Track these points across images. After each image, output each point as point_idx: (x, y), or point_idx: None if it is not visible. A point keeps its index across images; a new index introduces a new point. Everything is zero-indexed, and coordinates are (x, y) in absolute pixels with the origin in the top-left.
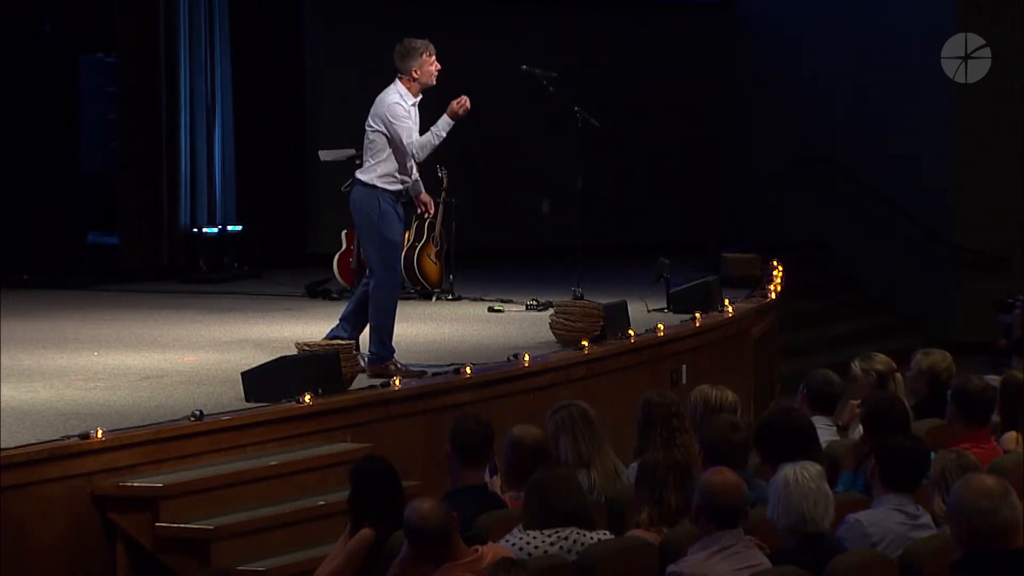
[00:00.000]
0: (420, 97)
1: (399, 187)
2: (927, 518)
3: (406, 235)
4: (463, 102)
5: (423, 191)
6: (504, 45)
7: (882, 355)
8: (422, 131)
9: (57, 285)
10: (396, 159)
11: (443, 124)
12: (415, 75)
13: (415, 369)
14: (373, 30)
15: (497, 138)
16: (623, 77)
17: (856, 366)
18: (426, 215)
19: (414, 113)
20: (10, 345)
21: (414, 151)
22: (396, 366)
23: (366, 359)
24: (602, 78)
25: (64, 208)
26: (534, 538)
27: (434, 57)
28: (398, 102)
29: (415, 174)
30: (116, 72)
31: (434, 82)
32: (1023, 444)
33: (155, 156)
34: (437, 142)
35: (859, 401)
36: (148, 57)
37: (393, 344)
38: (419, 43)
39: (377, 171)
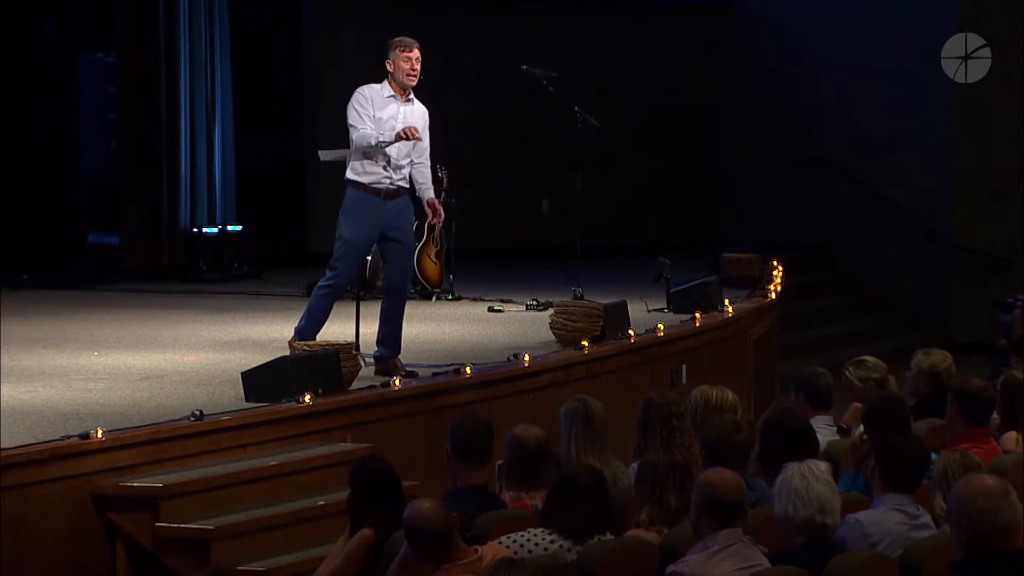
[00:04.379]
0: (407, 93)
1: (367, 180)
2: (927, 518)
3: None
4: (412, 133)
5: (431, 196)
6: (504, 45)
7: (873, 359)
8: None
9: (57, 285)
10: (361, 152)
11: (385, 137)
12: (388, 68)
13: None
14: (373, 30)
15: (497, 138)
16: (623, 77)
17: (850, 374)
18: (434, 221)
19: (394, 107)
20: (10, 345)
21: (353, 136)
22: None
23: (366, 359)
24: (602, 78)
25: (64, 208)
26: (535, 535)
27: (408, 54)
28: (362, 91)
29: (423, 178)
30: (116, 72)
31: (408, 80)
32: (1023, 444)
33: (155, 156)
34: (373, 143)
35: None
36: (148, 57)
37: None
38: (396, 39)
39: (350, 164)
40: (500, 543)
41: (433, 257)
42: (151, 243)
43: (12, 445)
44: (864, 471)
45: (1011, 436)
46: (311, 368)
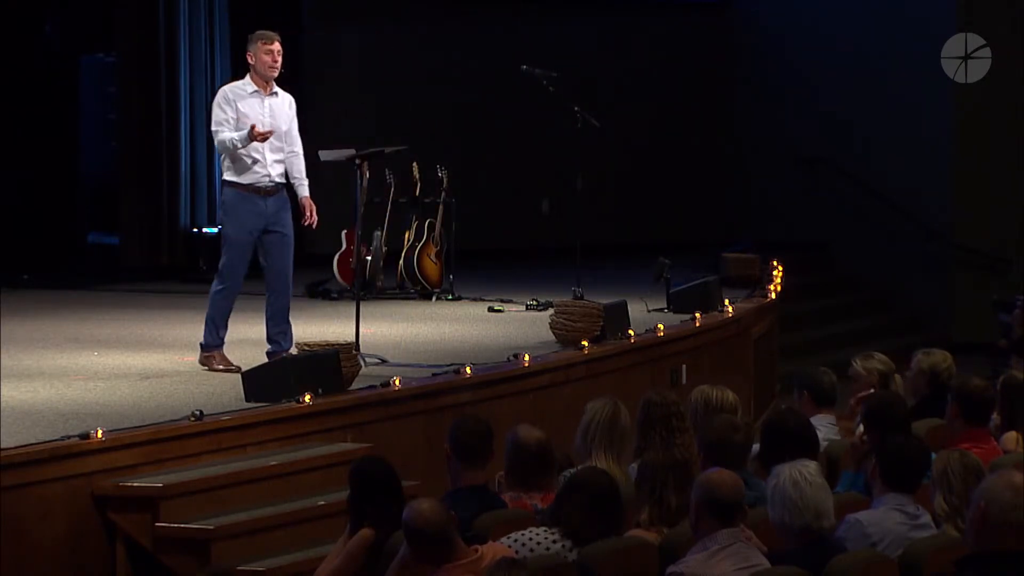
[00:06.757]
0: (271, 86)
1: (246, 180)
2: (927, 518)
3: (406, 235)
4: (262, 134)
5: (306, 193)
6: (504, 45)
7: (881, 355)
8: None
9: (57, 285)
10: (234, 153)
11: (239, 138)
12: (250, 61)
13: (235, 366)
14: (373, 30)
15: (497, 138)
16: (623, 77)
17: (857, 365)
18: (307, 222)
19: (258, 101)
20: (10, 345)
21: (215, 140)
22: (216, 359)
23: (366, 359)
24: (602, 78)
25: (64, 208)
26: (536, 535)
27: (269, 46)
28: (224, 91)
29: (298, 172)
30: (116, 72)
31: (270, 72)
32: (1023, 444)
33: (155, 156)
34: (231, 147)
35: (863, 396)
36: (148, 57)
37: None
38: (257, 32)
39: (226, 165)
40: (501, 542)
41: (433, 257)
42: (151, 243)
43: (12, 445)
44: (864, 471)
45: (1011, 436)
46: (311, 368)
